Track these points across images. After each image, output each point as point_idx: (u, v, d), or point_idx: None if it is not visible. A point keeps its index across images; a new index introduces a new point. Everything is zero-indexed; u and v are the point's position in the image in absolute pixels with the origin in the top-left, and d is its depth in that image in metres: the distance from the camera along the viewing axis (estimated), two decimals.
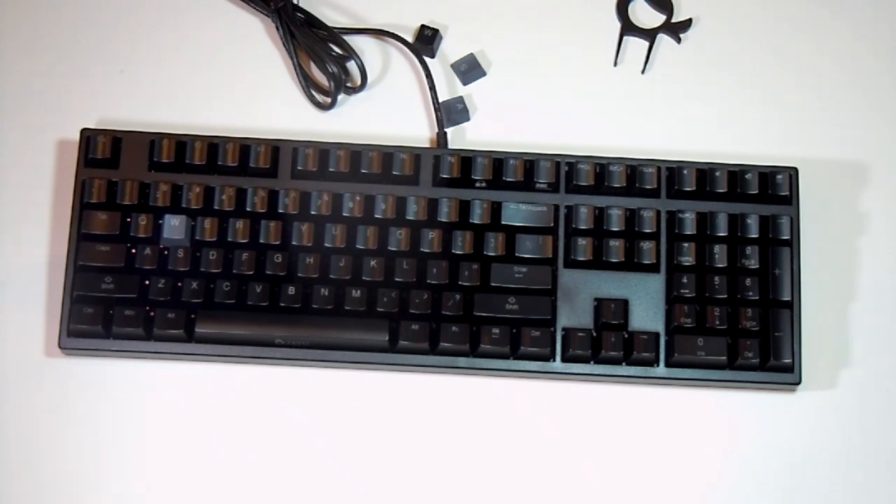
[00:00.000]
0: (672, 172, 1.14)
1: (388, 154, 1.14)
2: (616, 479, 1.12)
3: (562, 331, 1.12)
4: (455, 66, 1.21)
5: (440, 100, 1.19)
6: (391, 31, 1.20)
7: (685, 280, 1.12)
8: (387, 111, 1.20)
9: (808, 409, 1.13)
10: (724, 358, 1.11)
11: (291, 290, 1.11)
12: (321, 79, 1.20)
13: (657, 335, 1.12)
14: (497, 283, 1.12)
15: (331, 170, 1.14)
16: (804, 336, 1.12)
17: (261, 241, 1.12)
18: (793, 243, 1.13)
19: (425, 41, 1.20)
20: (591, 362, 1.12)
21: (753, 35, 1.22)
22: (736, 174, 1.14)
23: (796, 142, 1.19)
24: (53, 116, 1.18)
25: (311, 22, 1.20)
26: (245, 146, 1.14)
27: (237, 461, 1.11)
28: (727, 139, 1.19)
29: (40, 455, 1.11)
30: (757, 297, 1.12)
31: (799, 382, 1.11)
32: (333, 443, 1.12)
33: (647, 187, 1.14)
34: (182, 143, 1.14)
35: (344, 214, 1.13)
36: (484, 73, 1.21)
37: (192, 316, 1.11)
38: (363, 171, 1.14)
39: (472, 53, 1.21)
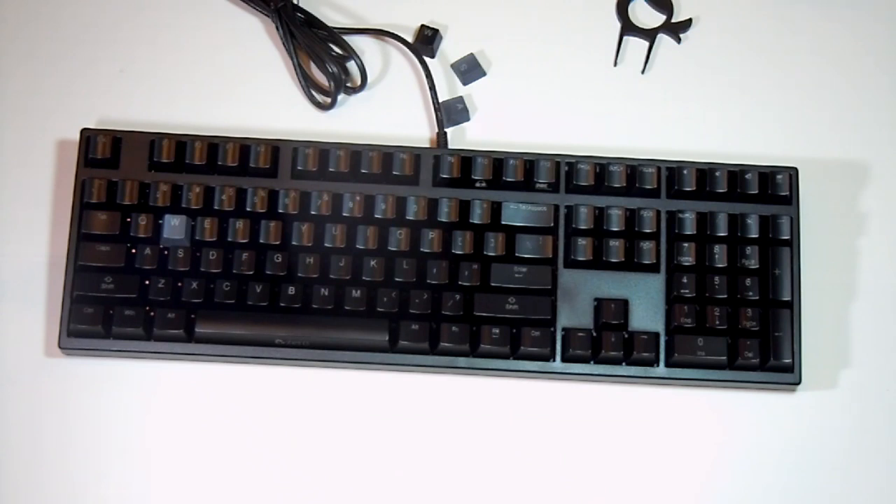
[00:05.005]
0: (672, 172, 1.14)
1: (388, 154, 1.14)
2: (616, 478, 1.12)
3: (562, 331, 1.12)
4: (455, 66, 1.21)
5: (440, 100, 1.19)
6: (391, 31, 1.20)
7: (685, 280, 1.12)
8: (387, 111, 1.20)
9: (808, 409, 1.13)
10: (724, 358, 1.11)
11: (291, 290, 1.11)
12: (321, 79, 1.20)
13: (657, 335, 1.12)
14: (497, 283, 1.12)
15: (331, 170, 1.14)
16: (804, 336, 1.12)
17: (261, 241, 1.12)
18: (793, 243, 1.13)
19: (425, 41, 1.20)
20: (591, 362, 1.11)
21: (753, 35, 1.22)
22: (736, 174, 1.14)
23: (796, 142, 1.19)
24: (53, 116, 1.18)
25: (311, 22, 1.20)
26: (245, 146, 1.14)
27: (237, 461, 1.11)
28: (727, 139, 1.19)
29: (41, 455, 1.11)
30: (757, 297, 1.12)
31: (799, 382, 1.11)
32: (334, 443, 1.12)
33: (647, 187, 1.14)
34: (182, 143, 1.14)
35: (344, 214, 1.13)
36: (484, 73, 1.21)
37: (192, 316, 1.11)
38: (363, 171, 1.14)
39: (472, 53, 1.21)
